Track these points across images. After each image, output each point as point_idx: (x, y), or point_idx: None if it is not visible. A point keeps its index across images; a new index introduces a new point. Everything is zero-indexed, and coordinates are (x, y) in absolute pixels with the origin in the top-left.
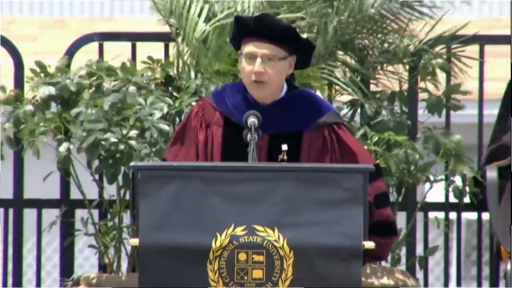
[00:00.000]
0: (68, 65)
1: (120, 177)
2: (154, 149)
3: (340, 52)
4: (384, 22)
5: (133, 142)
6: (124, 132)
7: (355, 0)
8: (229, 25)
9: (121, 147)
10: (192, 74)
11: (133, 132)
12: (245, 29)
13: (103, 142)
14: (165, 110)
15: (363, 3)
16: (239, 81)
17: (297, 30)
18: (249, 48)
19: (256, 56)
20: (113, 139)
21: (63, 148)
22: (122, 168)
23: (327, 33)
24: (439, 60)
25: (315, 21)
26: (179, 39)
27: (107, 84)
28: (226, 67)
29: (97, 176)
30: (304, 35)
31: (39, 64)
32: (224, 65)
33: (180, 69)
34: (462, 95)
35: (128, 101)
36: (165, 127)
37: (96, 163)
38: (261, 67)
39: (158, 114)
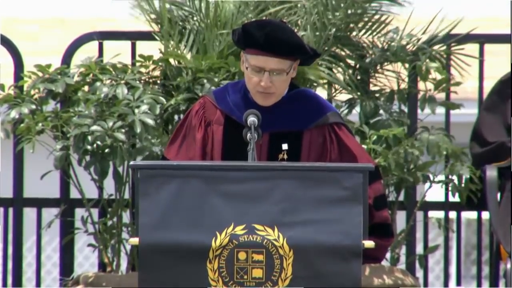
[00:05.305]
0: (68, 65)
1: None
2: (144, 143)
3: (338, 50)
4: (371, 15)
5: (118, 135)
6: (110, 124)
7: None
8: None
9: (108, 140)
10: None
11: (118, 124)
12: (252, 41)
13: (89, 137)
14: (157, 110)
15: None
16: (240, 79)
17: (291, 25)
18: (256, 61)
19: (264, 70)
20: (98, 133)
21: (59, 146)
22: (111, 164)
23: (317, 30)
24: (434, 64)
25: (307, 17)
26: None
27: (100, 83)
28: (218, 63)
29: (95, 176)
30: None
31: (40, 67)
32: (216, 60)
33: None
34: (455, 86)
35: (117, 99)
36: (149, 120)
37: (87, 159)
38: (269, 81)
39: (143, 108)
